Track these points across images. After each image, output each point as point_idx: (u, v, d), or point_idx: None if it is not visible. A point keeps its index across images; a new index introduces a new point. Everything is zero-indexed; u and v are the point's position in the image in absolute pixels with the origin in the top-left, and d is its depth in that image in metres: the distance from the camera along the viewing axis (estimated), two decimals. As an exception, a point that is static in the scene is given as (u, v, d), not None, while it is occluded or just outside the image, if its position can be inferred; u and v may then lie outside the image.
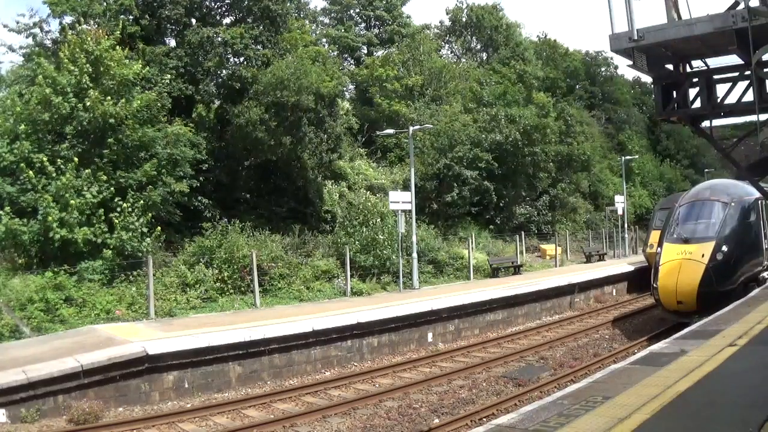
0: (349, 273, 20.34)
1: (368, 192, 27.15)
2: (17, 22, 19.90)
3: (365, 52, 42.47)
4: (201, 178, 20.13)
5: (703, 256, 15.34)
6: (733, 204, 16.66)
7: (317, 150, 23.48)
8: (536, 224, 34.37)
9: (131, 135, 17.63)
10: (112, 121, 16.92)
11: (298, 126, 22.06)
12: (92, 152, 17.10)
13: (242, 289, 18.15)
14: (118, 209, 16.75)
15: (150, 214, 17.32)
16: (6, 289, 14.51)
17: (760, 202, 17.50)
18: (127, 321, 14.94)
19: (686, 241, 16.08)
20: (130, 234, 16.57)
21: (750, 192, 17.45)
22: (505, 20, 47.69)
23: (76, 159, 16.46)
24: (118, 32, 18.37)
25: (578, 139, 36.75)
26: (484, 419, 9.64)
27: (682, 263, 15.49)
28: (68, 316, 14.49)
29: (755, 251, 17.01)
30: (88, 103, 16.73)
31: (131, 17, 20.53)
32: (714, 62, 8.79)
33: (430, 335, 16.43)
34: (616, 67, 50.09)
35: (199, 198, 20.66)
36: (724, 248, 15.56)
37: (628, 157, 40.31)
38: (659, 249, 16.81)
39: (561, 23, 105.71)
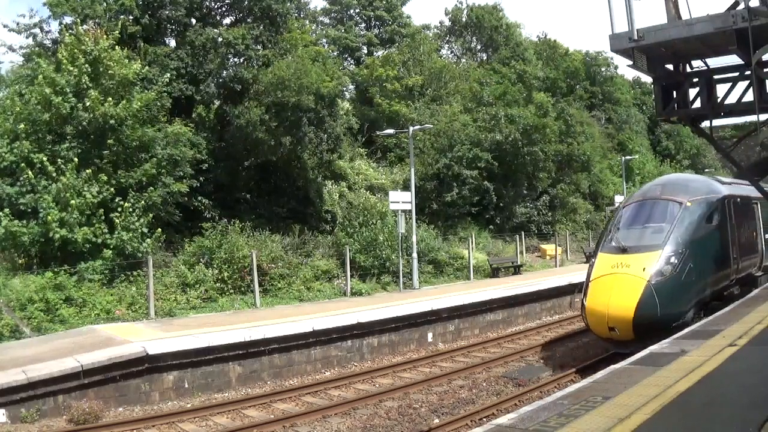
0: (349, 273, 20.36)
1: (368, 192, 27.17)
2: (17, 23, 19.96)
3: (365, 52, 42.46)
4: (201, 179, 20.14)
5: (644, 269, 11.99)
6: (689, 204, 13.23)
7: (317, 150, 23.50)
8: (536, 224, 34.38)
9: (131, 135, 17.64)
10: (112, 121, 16.93)
11: (298, 126, 22.08)
12: (92, 152, 17.11)
13: (242, 289, 18.16)
14: (119, 209, 16.76)
15: (150, 215, 17.33)
16: (6, 289, 14.52)
17: (728, 201, 14.43)
18: (127, 321, 14.96)
19: (624, 250, 12.61)
20: (131, 234, 16.57)
21: (715, 189, 14.63)
22: (505, 20, 47.64)
23: (76, 159, 16.46)
24: (118, 32, 18.37)
25: (578, 139, 36.74)
26: (484, 419, 9.64)
27: (616, 279, 12.19)
28: (68, 316, 14.51)
29: (719, 262, 13.69)
30: (88, 103, 16.73)
31: (131, 17, 20.54)
32: (714, 62, 8.79)
33: (430, 335, 16.43)
34: (616, 67, 50.07)
35: (199, 198, 20.67)
36: (673, 259, 12.21)
37: (628, 157, 40.27)
38: (593, 260, 13.53)
39: (561, 23, 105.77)
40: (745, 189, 16.42)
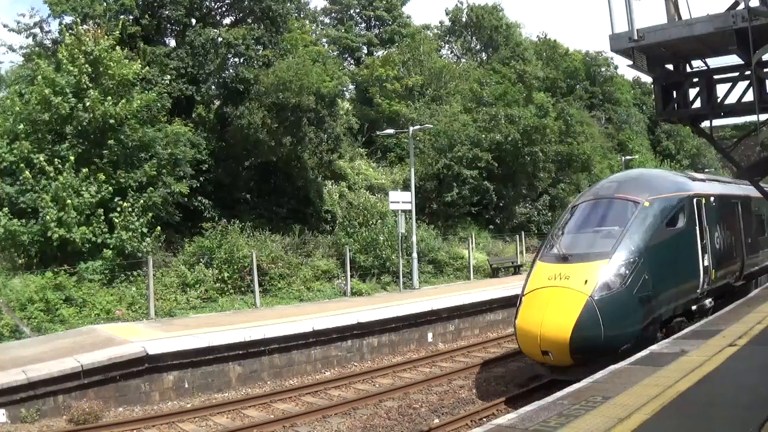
0: (349, 273, 20.36)
1: (368, 192, 27.17)
2: (17, 22, 19.96)
3: (365, 52, 42.48)
4: (201, 179, 20.14)
5: (585, 282, 10.06)
6: (648, 203, 11.22)
7: (317, 150, 23.52)
8: (536, 224, 34.36)
9: (131, 135, 17.64)
10: (112, 121, 16.94)
11: (298, 126, 22.08)
12: (92, 152, 17.12)
13: (242, 289, 18.17)
14: (119, 209, 16.76)
15: (150, 214, 17.33)
16: (6, 289, 14.54)
17: (698, 200, 12.45)
18: (127, 321, 14.97)
19: (565, 259, 10.70)
20: (130, 234, 16.58)
21: (683, 186, 12.62)
22: (505, 20, 47.69)
23: (72, 158, 16.45)
24: (118, 32, 18.38)
25: (578, 139, 36.75)
26: (484, 419, 9.64)
27: (551, 293, 10.31)
28: (68, 316, 14.52)
29: (684, 272, 11.73)
30: (87, 103, 16.73)
31: (131, 17, 20.54)
32: (714, 62, 8.79)
33: (430, 335, 16.42)
34: (616, 67, 50.13)
35: (199, 198, 20.67)
36: (623, 270, 10.27)
37: (628, 157, 40.25)
38: (531, 269, 11.71)
39: (561, 23, 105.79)
40: (724, 187, 15.40)
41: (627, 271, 10.27)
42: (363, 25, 44.00)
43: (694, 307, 12.04)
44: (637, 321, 10.28)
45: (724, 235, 13.68)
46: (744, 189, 16.18)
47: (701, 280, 12.08)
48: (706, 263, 12.23)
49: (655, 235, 11.02)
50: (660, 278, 10.76)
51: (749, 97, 8.13)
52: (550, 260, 11.08)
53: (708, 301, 12.60)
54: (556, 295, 10.23)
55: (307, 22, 33.30)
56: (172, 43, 22.20)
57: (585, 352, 9.67)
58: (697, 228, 12.17)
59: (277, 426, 9.98)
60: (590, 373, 8.18)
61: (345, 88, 32.97)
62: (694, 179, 13.76)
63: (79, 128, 16.84)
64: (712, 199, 13.23)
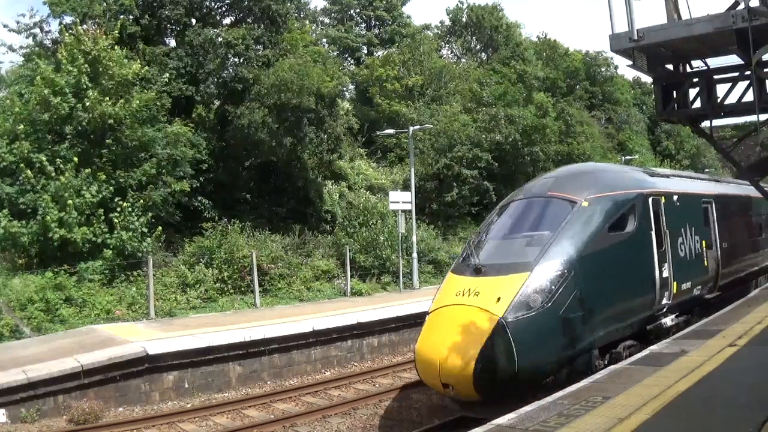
0: (349, 273, 20.37)
1: (368, 192, 27.18)
2: (17, 22, 20.00)
3: (365, 52, 42.50)
4: (201, 179, 20.14)
5: (498, 300, 8.20)
6: (587, 203, 9.36)
7: (317, 150, 23.51)
8: (536, 224, 34.27)
9: (131, 135, 17.64)
10: (111, 121, 16.93)
11: (298, 126, 22.08)
12: (92, 152, 17.12)
13: (242, 289, 18.18)
14: (118, 209, 16.75)
15: (150, 214, 17.33)
16: (6, 289, 14.54)
17: (656, 200, 10.66)
18: (127, 321, 14.98)
19: (479, 271, 8.82)
20: (130, 234, 16.58)
21: (635, 183, 10.75)
22: (505, 20, 47.72)
23: (75, 159, 16.45)
24: (117, 32, 18.37)
25: (578, 139, 36.74)
26: (484, 419, 9.62)
27: (457, 313, 8.48)
28: (68, 316, 14.54)
29: (633, 286, 9.88)
30: (87, 104, 16.72)
31: (131, 17, 20.54)
32: (714, 62, 8.79)
33: (430, 335, 16.40)
34: (616, 67, 50.03)
35: (199, 198, 20.67)
36: (547, 285, 8.37)
37: (628, 157, 40.24)
38: (442, 282, 9.82)
39: (561, 23, 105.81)
40: (695, 184, 13.79)
41: (552, 287, 8.38)
42: (363, 25, 44.02)
43: (650, 327, 10.29)
44: (563, 347, 8.47)
45: (693, 240, 11.80)
46: (722, 187, 15.47)
47: (657, 294, 10.23)
48: (665, 274, 10.41)
49: (594, 241, 9.10)
50: (598, 294, 8.92)
51: (749, 97, 8.13)
52: (462, 272, 9.19)
53: (670, 318, 10.82)
54: (461, 316, 8.37)
55: (307, 22, 33.30)
56: (172, 43, 22.21)
57: (494, 386, 7.93)
58: (653, 232, 10.34)
59: (277, 426, 9.99)
60: (509, 410, 6.67)
61: (345, 88, 32.99)
62: (653, 175, 12.17)
63: (79, 128, 16.83)
64: (675, 198, 11.36)
